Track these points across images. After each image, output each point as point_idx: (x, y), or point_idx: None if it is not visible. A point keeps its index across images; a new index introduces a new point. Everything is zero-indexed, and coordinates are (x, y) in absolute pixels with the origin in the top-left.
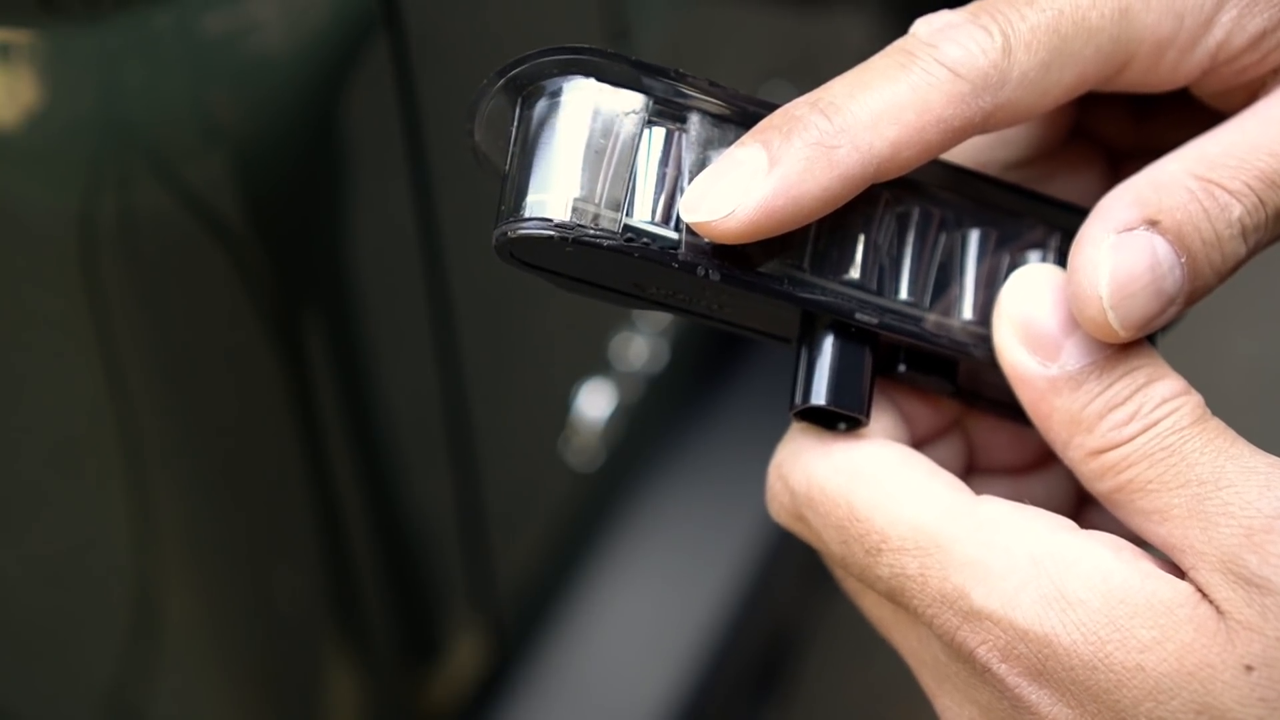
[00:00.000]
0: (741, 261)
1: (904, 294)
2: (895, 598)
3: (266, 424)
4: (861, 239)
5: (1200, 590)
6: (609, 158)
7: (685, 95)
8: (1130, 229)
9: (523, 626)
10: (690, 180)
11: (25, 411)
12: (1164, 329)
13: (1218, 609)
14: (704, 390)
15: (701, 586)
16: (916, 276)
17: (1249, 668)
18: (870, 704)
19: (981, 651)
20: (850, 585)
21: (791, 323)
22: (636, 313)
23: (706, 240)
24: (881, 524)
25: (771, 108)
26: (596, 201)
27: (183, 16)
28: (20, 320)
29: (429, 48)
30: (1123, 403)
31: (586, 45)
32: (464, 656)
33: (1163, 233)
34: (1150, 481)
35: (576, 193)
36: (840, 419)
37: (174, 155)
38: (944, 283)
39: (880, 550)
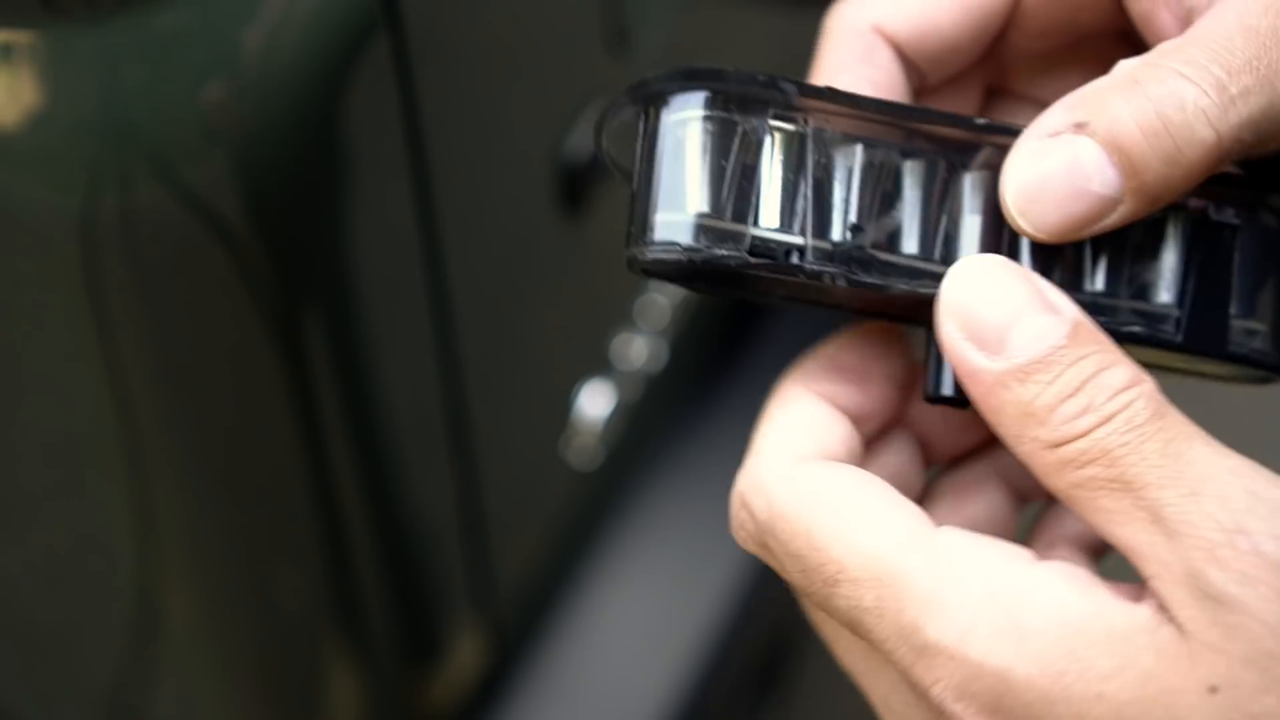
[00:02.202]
0: (867, 263)
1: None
2: (855, 630)
3: (267, 424)
4: (979, 223)
5: (1162, 604)
6: (732, 171)
7: (804, 103)
8: (1056, 134)
9: (523, 626)
10: (813, 187)
11: (26, 411)
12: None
13: (1180, 627)
14: (704, 390)
15: (701, 586)
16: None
17: (1213, 689)
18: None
19: (936, 690)
20: (817, 618)
21: (925, 310)
22: (637, 313)
23: (831, 245)
24: (839, 554)
25: (892, 108)
26: (723, 215)
27: (183, 17)
28: (20, 320)
29: (429, 48)
30: (1073, 393)
31: (707, 66)
32: (464, 656)
33: (1090, 134)
34: (1111, 480)
35: (703, 208)
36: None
37: (174, 155)
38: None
39: (838, 581)
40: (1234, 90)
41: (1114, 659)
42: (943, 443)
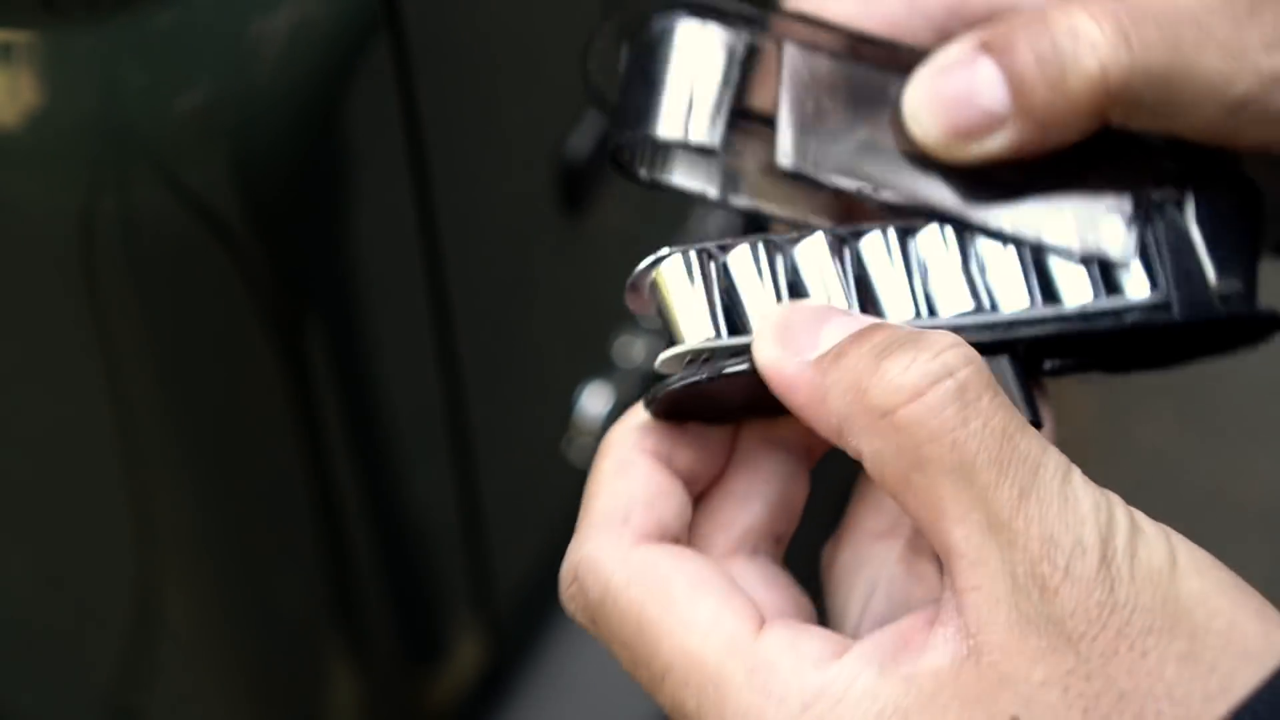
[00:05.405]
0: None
1: (1025, 302)
2: None
3: (267, 424)
4: (963, 272)
5: (968, 625)
6: (719, 295)
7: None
8: (961, 53)
9: (523, 627)
10: (789, 290)
11: (25, 411)
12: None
13: (981, 654)
14: None
15: None
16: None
17: (1014, 718)
18: None
19: None
20: None
21: None
22: (638, 313)
23: None
24: (666, 651)
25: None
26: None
27: (183, 16)
28: (20, 320)
29: (429, 48)
30: (894, 353)
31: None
32: (464, 657)
33: (989, 52)
34: (952, 468)
35: (708, 335)
36: None
37: (174, 155)
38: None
39: (664, 679)
40: (1133, 37)
41: None
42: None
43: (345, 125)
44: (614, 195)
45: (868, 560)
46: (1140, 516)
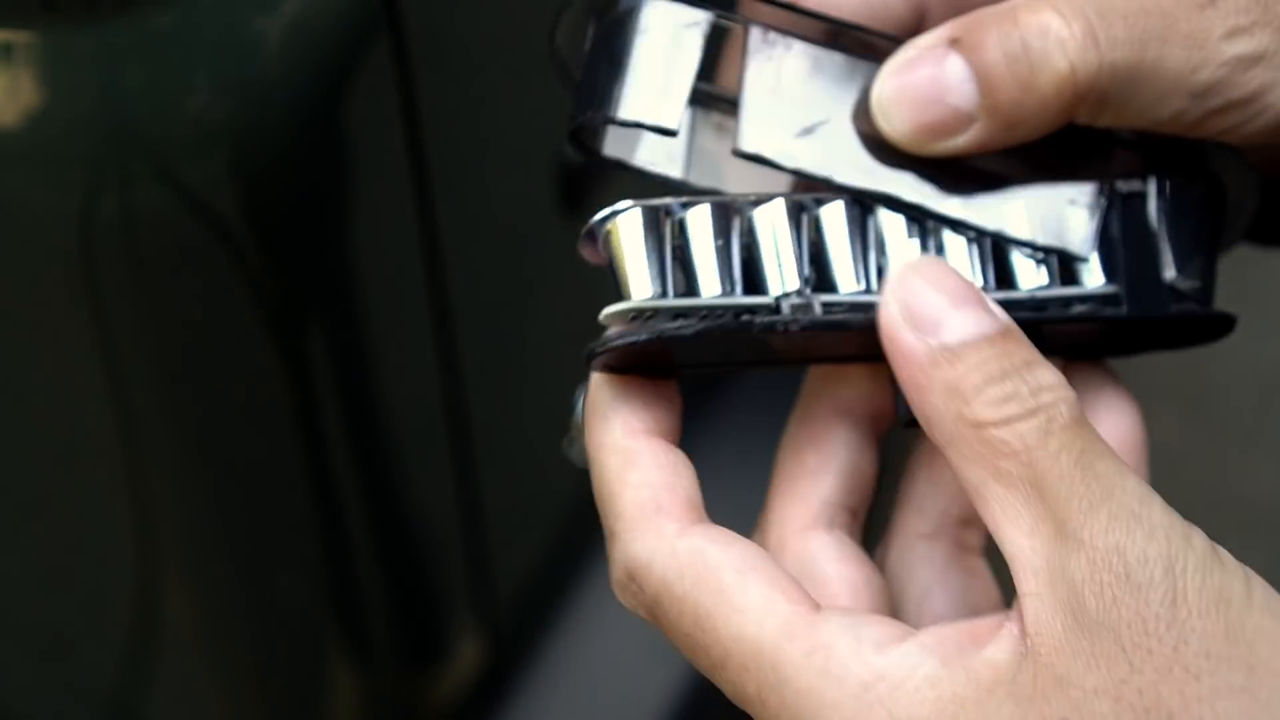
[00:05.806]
0: (829, 307)
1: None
2: (744, 709)
3: (267, 424)
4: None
5: (1028, 629)
6: (670, 256)
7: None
8: (931, 47)
9: (522, 628)
10: (740, 262)
11: (25, 411)
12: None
13: (1039, 656)
14: (704, 389)
15: None
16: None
17: None
18: None
19: None
20: None
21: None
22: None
23: (777, 300)
24: (725, 638)
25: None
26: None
27: (183, 16)
28: (19, 320)
29: (429, 48)
30: (1000, 379)
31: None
32: (464, 657)
33: (959, 49)
34: (1027, 482)
35: (647, 293)
36: None
37: (174, 155)
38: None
39: (724, 665)
40: (1101, 35)
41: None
42: None
43: (345, 125)
44: (614, 195)
45: (916, 562)
46: (1223, 553)
